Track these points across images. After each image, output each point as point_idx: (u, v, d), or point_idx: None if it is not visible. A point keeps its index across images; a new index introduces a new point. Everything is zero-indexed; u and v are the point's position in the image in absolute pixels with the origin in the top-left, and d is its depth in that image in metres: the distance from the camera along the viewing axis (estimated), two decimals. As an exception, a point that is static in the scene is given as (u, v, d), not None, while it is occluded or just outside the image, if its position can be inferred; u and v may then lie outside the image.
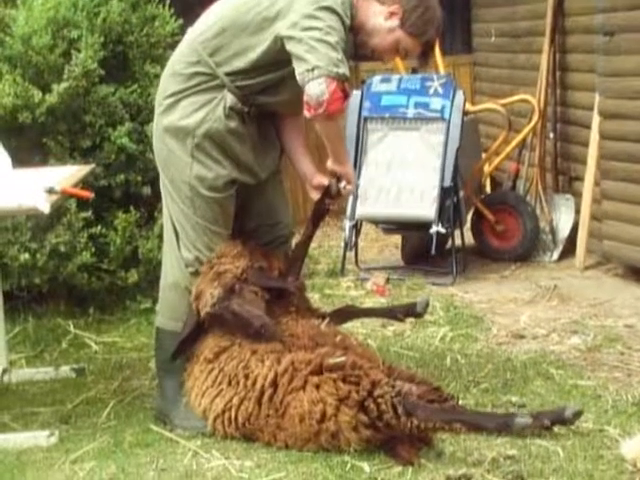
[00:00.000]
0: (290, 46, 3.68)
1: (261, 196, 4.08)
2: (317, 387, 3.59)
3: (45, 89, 5.35)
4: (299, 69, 3.66)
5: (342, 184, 4.02)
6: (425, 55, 4.00)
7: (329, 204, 4.09)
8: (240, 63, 3.80)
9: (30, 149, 5.32)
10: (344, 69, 3.67)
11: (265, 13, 3.77)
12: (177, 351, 3.92)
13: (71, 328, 5.33)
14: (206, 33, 3.88)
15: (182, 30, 4.16)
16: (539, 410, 3.87)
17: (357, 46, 3.91)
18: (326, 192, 4.05)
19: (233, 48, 3.81)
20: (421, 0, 3.88)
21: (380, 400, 3.48)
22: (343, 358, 3.66)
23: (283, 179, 4.26)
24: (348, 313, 4.44)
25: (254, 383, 3.68)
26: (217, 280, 3.82)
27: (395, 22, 3.86)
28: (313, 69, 3.64)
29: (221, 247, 3.91)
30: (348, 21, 3.76)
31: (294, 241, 4.31)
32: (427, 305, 4.33)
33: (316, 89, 3.64)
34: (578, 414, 3.69)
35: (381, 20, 3.87)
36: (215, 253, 3.90)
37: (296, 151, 4.09)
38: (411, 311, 4.35)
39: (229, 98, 3.83)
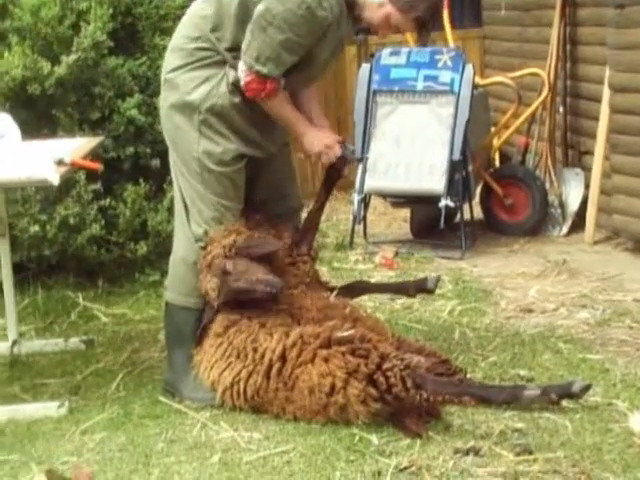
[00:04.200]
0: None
1: (270, 169, 4.09)
2: (326, 360, 3.60)
3: (54, 61, 5.34)
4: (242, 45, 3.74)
5: (350, 147, 4.03)
6: (420, 32, 3.94)
7: (341, 169, 4.10)
8: (240, 39, 3.78)
9: (39, 121, 5.33)
10: (268, 69, 3.70)
11: None
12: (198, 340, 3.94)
13: (80, 300, 5.34)
14: (207, 8, 3.87)
15: (191, 3, 4.15)
16: (547, 384, 3.87)
17: (354, 21, 3.88)
18: (338, 159, 4.04)
19: (231, 24, 3.80)
20: None
21: (389, 373, 3.49)
22: (352, 331, 3.67)
23: (292, 151, 4.27)
24: (359, 288, 4.45)
25: (262, 356, 3.69)
26: (209, 271, 3.82)
27: None
28: (244, 52, 3.74)
29: (210, 234, 3.90)
30: (336, 9, 3.72)
31: (304, 213, 4.31)
32: (438, 281, 4.34)
33: (239, 72, 3.77)
34: (586, 389, 3.70)
35: None
36: (205, 241, 3.89)
37: (310, 116, 4.07)
38: (422, 287, 4.35)
39: (231, 74, 3.82)
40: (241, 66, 3.76)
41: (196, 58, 3.86)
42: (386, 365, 3.52)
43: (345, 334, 3.65)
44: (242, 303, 3.85)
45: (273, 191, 4.13)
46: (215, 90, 3.84)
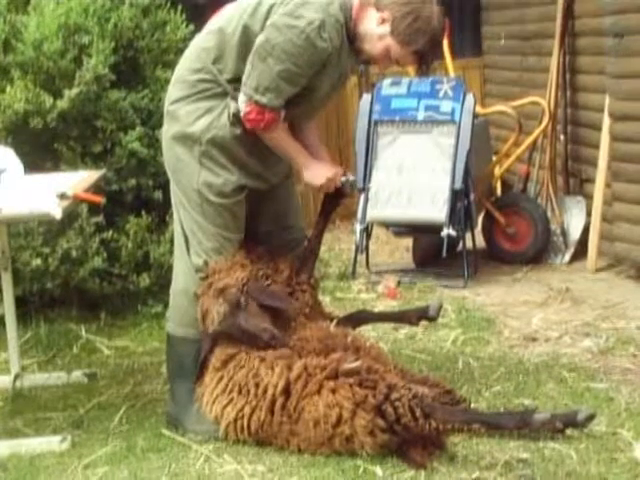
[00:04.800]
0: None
1: (273, 200, 4.09)
2: (333, 391, 3.58)
3: (56, 94, 5.36)
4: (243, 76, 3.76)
5: (350, 177, 4.03)
6: (419, 65, 3.92)
7: (339, 198, 4.11)
8: (241, 71, 3.79)
9: (41, 154, 5.33)
10: (267, 99, 3.71)
11: (248, 22, 3.77)
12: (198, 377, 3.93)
13: (83, 333, 5.33)
14: (209, 40, 3.88)
15: (193, 36, 4.17)
16: (552, 412, 3.86)
17: (355, 53, 3.89)
18: (337, 190, 4.05)
19: (233, 55, 3.81)
20: (414, 8, 3.77)
21: (397, 403, 3.48)
22: (358, 363, 3.66)
23: (295, 183, 4.27)
24: (361, 318, 4.44)
25: (265, 392, 3.67)
26: (221, 296, 3.81)
27: (386, 29, 3.79)
28: (244, 83, 3.75)
29: (213, 263, 3.90)
30: (336, 41, 3.73)
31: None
32: (440, 308, 4.32)
33: (239, 103, 3.78)
34: (590, 418, 3.68)
35: (373, 26, 3.81)
36: (209, 270, 3.89)
37: (310, 148, 4.07)
38: (424, 314, 4.35)
39: (232, 105, 3.83)
40: (241, 97, 3.77)
41: (198, 90, 3.88)
42: (394, 395, 3.51)
43: (352, 366, 3.64)
44: (236, 340, 3.84)
45: (276, 222, 4.13)
46: (216, 122, 3.85)
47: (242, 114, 3.78)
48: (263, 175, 3.98)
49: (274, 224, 4.13)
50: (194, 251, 3.96)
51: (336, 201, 4.15)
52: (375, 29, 3.80)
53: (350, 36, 3.81)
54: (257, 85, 3.71)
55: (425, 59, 3.89)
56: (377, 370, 3.64)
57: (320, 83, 3.83)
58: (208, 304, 3.83)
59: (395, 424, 3.49)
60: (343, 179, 4.03)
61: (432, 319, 4.39)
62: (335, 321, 4.10)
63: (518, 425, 3.58)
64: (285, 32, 3.67)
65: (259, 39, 3.71)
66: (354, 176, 4.18)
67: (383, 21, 3.78)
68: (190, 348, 4.00)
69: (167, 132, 3.98)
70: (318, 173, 3.97)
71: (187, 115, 3.88)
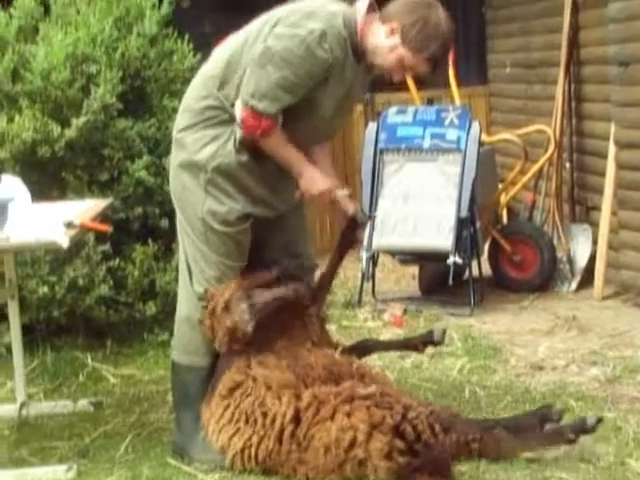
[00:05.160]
0: None
1: (282, 228, 4.08)
2: (348, 415, 3.56)
3: (64, 123, 5.39)
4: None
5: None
6: (433, 71, 3.91)
7: (356, 234, 4.11)
8: None
9: (49, 183, 5.36)
10: (263, 105, 3.70)
11: (253, 47, 3.78)
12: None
13: (89, 361, 5.34)
14: (215, 67, 3.90)
15: (200, 65, 4.19)
16: (561, 426, 3.83)
17: (369, 69, 3.89)
18: (351, 223, 4.05)
19: (238, 82, 3.81)
20: (421, 15, 3.77)
21: (416, 421, 3.47)
22: (373, 388, 3.66)
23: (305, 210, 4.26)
24: (366, 347, 4.43)
25: (273, 421, 3.66)
26: (229, 308, 3.81)
27: (396, 39, 3.78)
28: (241, 89, 3.75)
29: (212, 289, 3.90)
30: (339, 53, 3.73)
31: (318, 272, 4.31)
32: (444, 332, 4.31)
33: (235, 108, 3.78)
34: (599, 421, 3.70)
35: (382, 39, 3.80)
36: (208, 296, 3.89)
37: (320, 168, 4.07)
38: (429, 340, 4.34)
39: (239, 132, 3.83)
40: (237, 103, 3.76)
41: (204, 117, 3.88)
42: (411, 414, 3.49)
43: (367, 391, 3.64)
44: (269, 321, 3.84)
45: (285, 250, 4.11)
46: (222, 149, 3.85)
47: (238, 119, 3.76)
48: (270, 202, 3.97)
49: (283, 252, 4.11)
50: (196, 279, 3.96)
51: (353, 238, 4.15)
52: (385, 41, 3.80)
53: (358, 53, 3.81)
54: (254, 91, 3.71)
55: (438, 64, 3.90)
56: (391, 393, 3.63)
57: (324, 97, 3.80)
58: (221, 322, 3.82)
59: (415, 443, 3.47)
60: (344, 193, 4.01)
61: (438, 344, 4.37)
62: (340, 349, 4.09)
63: (538, 422, 3.63)
64: (285, 40, 3.68)
65: (259, 47, 3.72)
66: (362, 210, 4.16)
67: (392, 32, 3.78)
68: (195, 376, 3.99)
69: (174, 160, 3.99)
70: (314, 181, 3.92)
71: (194, 143, 3.89)
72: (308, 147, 4.01)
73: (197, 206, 3.90)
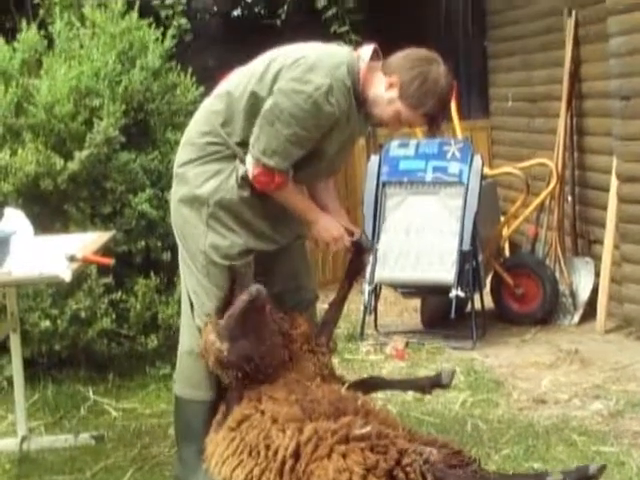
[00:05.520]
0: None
1: (284, 261, 4.08)
2: (344, 456, 3.54)
3: (67, 156, 5.41)
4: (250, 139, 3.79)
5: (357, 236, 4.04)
6: (430, 126, 3.93)
7: (363, 260, 4.11)
8: (250, 134, 3.81)
9: (51, 216, 5.37)
10: (275, 162, 3.73)
11: (256, 88, 3.79)
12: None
13: (90, 394, 5.32)
14: (218, 103, 3.91)
15: (202, 98, 4.21)
16: (564, 470, 3.81)
17: (365, 117, 3.90)
18: (357, 248, 4.05)
19: (241, 120, 3.83)
20: (420, 71, 3.77)
21: (408, 469, 3.44)
22: (369, 428, 3.64)
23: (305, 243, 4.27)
24: (373, 384, 4.40)
25: (275, 453, 3.64)
26: (217, 325, 3.81)
27: (394, 93, 3.79)
28: (252, 146, 3.77)
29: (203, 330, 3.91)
30: (344, 104, 3.74)
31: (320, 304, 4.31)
32: (453, 375, 4.29)
33: (247, 164, 3.80)
34: (602, 469, 3.65)
35: (382, 90, 3.81)
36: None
37: (326, 209, 4.09)
38: (437, 382, 4.31)
39: (241, 168, 3.84)
40: (249, 159, 3.79)
41: (207, 152, 3.90)
42: (405, 460, 3.47)
43: (363, 431, 3.62)
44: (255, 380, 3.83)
45: (287, 283, 4.12)
46: (224, 184, 3.86)
47: (250, 176, 3.80)
48: (271, 237, 3.98)
49: (285, 285, 4.11)
50: (197, 313, 3.96)
51: (360, 264, 4.15)
52: (384, 94, 3.81)
53: (359, 100, 3.83)
54: (265, 148, 3.74)
55: (435, 120, 3.89)
56: (387, 435, 3.61)
57: (329, 145, 3.84)
58: (212, 335, 3.81)
59: None
60: (356, 237, 4.03)
61: (445, 386, 4.35)
62: (347, 385, 4.08)
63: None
64: (293, 97, 3.70)
65: (267, 103, 3.74)
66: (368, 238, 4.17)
67: (391, 85, 3.79)
68: (197, 410, 3.99)
69: (175, 194, 4.00)
70: (327, 228, 3.97)
71: (195, 177, 3.90)
72: (312, 184, 4.03)
73: (199, 240, 3.91)
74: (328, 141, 3.83)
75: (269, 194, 3.85)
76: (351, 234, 4.05)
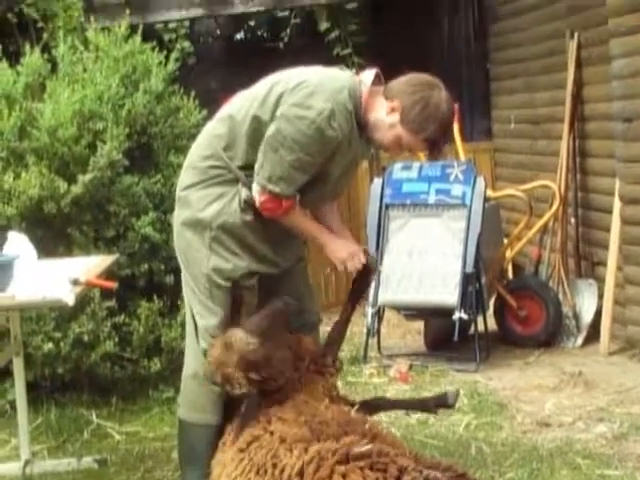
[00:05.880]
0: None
1: (286, 284, 4.08)
2: (344, 476, 3.54)
3: (70, 180, 5.43)
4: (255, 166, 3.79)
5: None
6: (431, 151, 3.93)
7: (368, 278, 4.11)
8: (252, 158, 3.82)
9: (55, 239, 5.38)
10: (280, 188, 3.74)
11: (258, 112, 3.80)
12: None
13: (94, 418, 5.32)
14: (220, 127, 3.91)
15: (205, 121, 4.23)
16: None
17: (367, 141, 3.90)
18: (364, 268, 4.05)
19: (243, 143, 3.84)
20: (422, 96, 3.77)
21: None
22: (370, 446, 3.63)
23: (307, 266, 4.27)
24: (378, 405, 4.39)
25: (282, 472, 3.63)
26: (228, 346, 3.79)
27: (395, 118, 3.78)
28: (257, 173, 3.77)
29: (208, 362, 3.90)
30: (346, 128, 3.74)
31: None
32: (457, 395, 4.28)
33: (253, 192, 3.80)
34: None
35: (383, 115, 3.81)
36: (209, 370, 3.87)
37: (330, 230, 4.08)
38: (442, 402, 4.30)
39: (244, 192, 3.85)
40: (255, 187, 3.80)
41: (209, 176, 3.90)
42: (405, 478, 3.46)
43: (363, 449, 3.61)
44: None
45: (295, 308, 4.11)
46: (227, 208, 3.87)
47: (257, 203, 3.80)
48: (273, 260, 3.98)
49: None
50: (202, 336, 3.95)
51: (365, 281, 4.15)
52: (385, 118, 3.81)
53: (360, 123, 3.83)
54: (270, 175, 3.74)
55: (436, 145, 3.89)
56: (388, 453, 3.60)
57: (332, 169, 3.85)
58: (226, 366, 3.79)
59: None
60: (367, 256, 4.03)
61: (451, 406, 4.34)
62: (357, 407, 4.06)
63: None
64: (296, 123, 3.71)
65: (270, 130, 3.75)
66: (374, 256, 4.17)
67: (392, 110, 3.78)
68: (202, 433, 3.98)
69: (178, 217, 4.01)
70: (340, 248, 3.96)
71: (198, 201, 3.90)
72: (317, 208, 4.04)
73: (202, 263, 3.91)
74: (332, 165, 3.84)
75: (277, 219, 3.85)
76: (365, 252, 4.05)
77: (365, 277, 4.11)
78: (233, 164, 3.86)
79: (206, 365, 3.90)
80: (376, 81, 3.86)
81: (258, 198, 3.79)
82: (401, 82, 3.83)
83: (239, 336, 3.78)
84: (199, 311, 3.96)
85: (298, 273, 4.15)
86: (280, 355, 3.84)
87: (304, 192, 3.85)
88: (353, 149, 3.86)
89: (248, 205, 3.85)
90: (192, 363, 4.03)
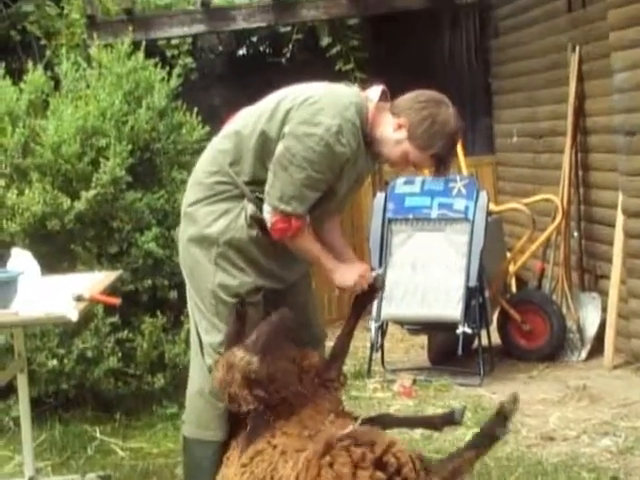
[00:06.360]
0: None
1: (291, 299, 4.04)
2: (331, 465, 3.48)
3: (74, 196, 5.44)
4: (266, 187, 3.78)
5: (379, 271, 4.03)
6: (437, 167, 3.88)
7: (371, 294, 4.10)
8: (258, 173, 3.82)
9: (58, 255, 5.38)
10: (292, 207, 3.72)
11: (265, 127, 3.80)
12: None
13: (97, 434, 5.31)
14: (226, 142, 3.91)
15: (209, 137, 4.23)
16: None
17: (373, 157, 3.90)
18: (369, 285, 4.04)
19: (250, 158, 3.83)
20: (430, 112, 3.76)
21: (399, 454, 3.38)
22: (351, 427, 3.59)
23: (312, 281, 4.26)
24: (385, 422, 4.37)
25: None
26: (230, 364, 3.78)
27: (403, 134, 3.78)
28: (268, 193, 3.75)
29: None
30: (354, 144, 3.75)
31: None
32: (464, 413, 4.25)
33: (265, 214, 3.78)
34: None
35: (390, 131, 3.81)
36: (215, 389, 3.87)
37: (335, 249, 4.08)
38: (449, 419, 4.28)
39: (250, 207, 3.84)
40: (266, 207, 3.77)
41: (215, 192, 3.89)
42: (396, 448, 3.41)
43: (345, 431, 3.57)
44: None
45: (296, 321, 4.10)
46: (233, 224, 3.86)
47: (269, 225, 3.77)
48: (280, 275, 3.97)
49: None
50: (207, 352, 3.94)
51: (369, 297, 4.15)
52: (392, 134, 3.80)
53: (367, 139, 3.83)
54: (281, 195, 3.73)
55: (443, 161, 3.87)
56: (374, 431, 3.56)
57: (340, 186, 3.84)
58: (228, 385, 3.78)
59: (395, 475, 3.38)
60: (374, 274, 4.03)
61: (457, 424, 4.32)
62: (360, 420, 4.05)
63: None
64: (304, 140, 3.70)
65: (279, 149, 3.74)
66: (380, 270, 4.15)
67: (400, 127, 3.78)
68: (207, 450, 3.95)
69: (184, 234, 3.99)
70: (348, 274, 3.92)
71: (204, 217, 3.89)
72: (320, 224, 4.03)
73: (208, 279, 3.90)
74: (339, 182, 3.83)
75: (286, 242, 3.82)
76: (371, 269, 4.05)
77: (370, 294, 4.11)
78: (239, 179, 3.85)
79: (213, 385, 3.89)
80: (382, 98, 3.86)
81: (270, 219, 3.76)
82: (408, 99, 3.83)
83: (239, 355, 3.77)
84: (205, 327, 3.95)
85: (303, 288, 4.14)
86: (283, 368, 3.83)
87: (310, 210, 3.85)
88: (359, 166, 3.86)
89: (254, 220, 3.84)
90: (197, 380, 4.01)
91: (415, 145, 3.79)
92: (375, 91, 3.87)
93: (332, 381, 4.01)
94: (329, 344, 4.33)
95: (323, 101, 3.74)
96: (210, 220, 3.88)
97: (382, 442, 3.38)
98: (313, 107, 3.72)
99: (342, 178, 3.82)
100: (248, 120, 3.89)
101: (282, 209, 3.73)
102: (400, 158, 3.85)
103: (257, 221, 3.84)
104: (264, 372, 3.75)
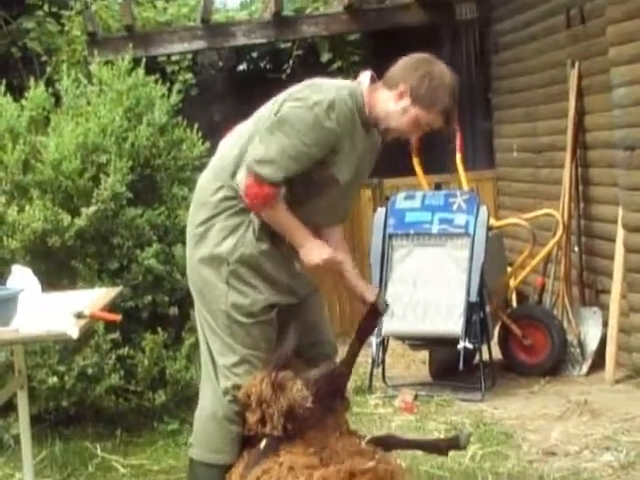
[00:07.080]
0: None
1: (302, 315, 3.99)
2: None
3: (74, 213, 5.44)
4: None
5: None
6: (447, 123, 3.89)
7: (376, 320, 4.10)
8: None
9: (59, 272, 5.39)
10: (267, 172, 3.67)
11: (262, 125, 3.79)
12: None
13: (98, 451, 5.30)
14: (227, 156, 3.89)
15: (209, 153, 4.22)
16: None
17: (384, 136, 3.91)
18: (373, 310, 4.03)
19: None
20: (425, 70, 3.82)
21: None
22: (373, 463, 3.60)
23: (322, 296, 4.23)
24: (390, 443, 4.35)
25: None
26: (283, 388, 3.76)
27: (406, 101, 3.80)
28: (249, 154, 3.74)
29: (236, 387, 3.85)
30: (346, 124, 3.74)
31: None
32: (470, 437, 4.23)
33: (238, 177, 3.76)
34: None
35: (392, 104, 3.82)
36: (241, 400, 3.82)
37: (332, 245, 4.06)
38: (454, 444, 4.26)
39: (256, 220, 3.81)
40: (242, 170, 3.75)
41: (221, 209, 3.85)
42: None
43: (366, 466, 3.58)
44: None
45: (306, 337, 4.00)
46: (242, 240, 3.81)
47: (242, 188, 3.72)
48: (291, 288, 3.91)
49: (304, 339, 3.99)
50: (222, 374, 3.85)
51: (373, 321, 4.13)
52: (396, 106, 3.82)
53: (369, 123, 3.84)
54: (261, 157, 3.69)
55: (451, 116, 3.89)
56: (392, 470, 3.57)
57: (338, 171, 3.79)
58: (269, 406, 3.76)
59: None
60: (378, 296, 4.01)
61: (462, 449, 4.30)
62: (366, 439, 4.04)
63: None
64: (294, 110, 3.71)
65: (270, 118, 3.76)
66: (386, 299, 4.13)
67: (401, 95, 3.81)
68: (215, 473, 3.87)
69: (194, 255, 3.91)
70: (316, 252, 3.84)
71: (213, 236, 3.83)
72: (323, 226, 4.01)
73: (220, 299, 3.83)
74: (336, 167, 3.80)
75: (259, 212, 3.78)
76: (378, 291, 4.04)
77: (374, 317, 4.09)
78: None
79: (228, 409, 3.85)
80: (371, 82, 3.91)
81: (244, 182, 3.72)
82: (399, 67, 3.89)
83: (298, 387, 3.74)
84: (218, 349, 3.86)
85: (313, 304, 4.08)
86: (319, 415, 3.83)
87: (315, 197, 3.82)
88: (359, 150, 3.83)
89: (262, 232, 3.82)
90: (209, 403, 3.90)
91: (421, 106, 3.80)
92: (365, 76, 3.92)
93: (337, 402, 4.00)
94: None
95: (316, 82, 3.83)
96: (219, 239, 3.82)
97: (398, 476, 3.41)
98: (307, 89, 3.78)
99: (340, 161, 3.77)
100: (247, 128, 3.89)
101: (257, 171, 3.68)
102: (411, 125, 3.85)
103: (266, 233, 3.78)
104: (309, 412, 3.74)
